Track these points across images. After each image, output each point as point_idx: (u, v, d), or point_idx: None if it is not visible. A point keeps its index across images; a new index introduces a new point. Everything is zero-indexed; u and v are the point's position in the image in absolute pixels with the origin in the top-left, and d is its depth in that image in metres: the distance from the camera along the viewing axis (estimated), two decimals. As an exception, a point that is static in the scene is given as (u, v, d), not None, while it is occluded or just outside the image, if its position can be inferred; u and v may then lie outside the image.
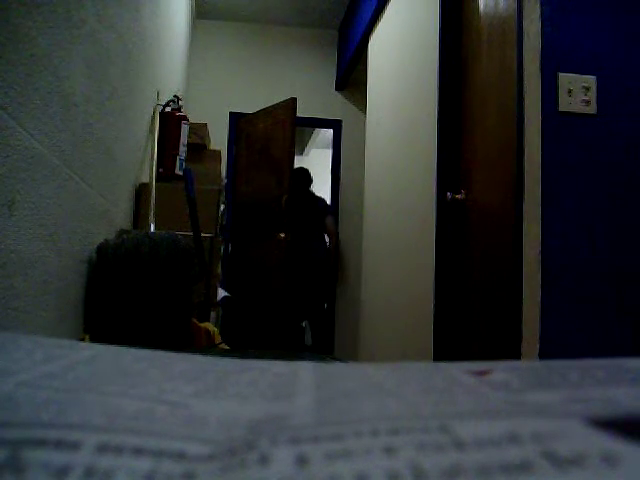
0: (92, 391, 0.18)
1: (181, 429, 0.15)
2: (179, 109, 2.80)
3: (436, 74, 2.52)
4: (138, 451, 0.13)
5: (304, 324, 4.66)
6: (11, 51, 1.04)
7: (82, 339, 1.58)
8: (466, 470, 0.12)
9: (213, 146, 3.77)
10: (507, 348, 1.77)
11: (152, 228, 2.26)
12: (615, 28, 1.70)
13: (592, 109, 1.67)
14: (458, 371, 0.20)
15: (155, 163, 2.50)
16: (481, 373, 0.20)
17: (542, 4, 1.68)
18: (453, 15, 2.49)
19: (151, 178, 2.45)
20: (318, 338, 4.36)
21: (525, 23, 1.74)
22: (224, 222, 3.43)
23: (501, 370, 0.20)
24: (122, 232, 1.97)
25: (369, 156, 3.86)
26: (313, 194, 4.43)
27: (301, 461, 0.12)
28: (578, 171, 1.65)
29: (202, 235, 2.01)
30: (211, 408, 0.17)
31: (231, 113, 4.85)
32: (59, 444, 0.13)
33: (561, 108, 1.66)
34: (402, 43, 3.17)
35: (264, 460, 0.12)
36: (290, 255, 4.15)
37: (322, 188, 4.98)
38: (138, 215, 2.42)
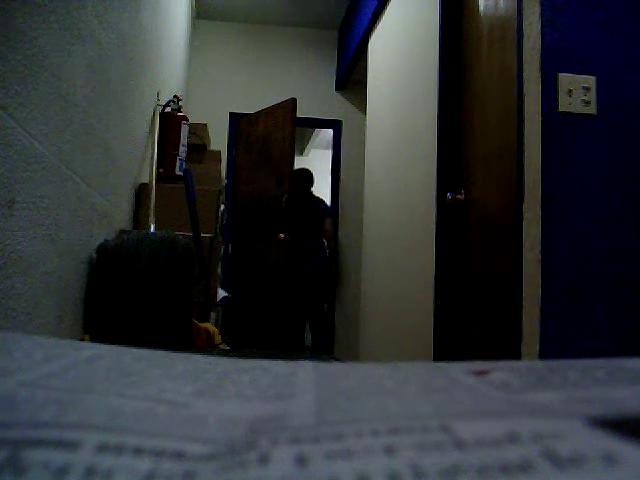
0: (92, 391, 0.18)
1: (181, 429, 0.15)
2: (179, 109, 2.80)
3: (436, 74, 2.52)
4: (138, 451, 0.13)
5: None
6: (11, 51, 1.04)
7: (82, 339, 1.58)
8: (466, 470, 0.12)
9: (213, 146, 3.77)
10: (507, 348, 1.77)
11: (152, 228, 2.26)
12: (615, 28, 1.70)
13: (592, 109, 1.67)
14: (458, 371, 0.20)
15: (155, 163, 2.50)
16: (481, 373, 0.20)
17: (542, 4, 1.68)
18: (453, 15, 2.49)
19: (151, 178, 2.45)
20: (318, 338, 4.36)
21: (525, 23, 1.74)
22: (224, 222, 3.43)
23: (501, 370, 0.20)
24: (122, 232, 1.97)
25: (369, 156, 3.86)
26: (313, 195, 4.43)
27: (301, 461, 0.12)
28: (578, 171, 1.65)
29: (202, 235, 2.01)
30: (211, 408, 0.17)
31: (231, 113, 4.85)
32: (59, 444, 0.13)
33: (561, 108, 1.66)
34: (402, 43, 3.17)
35: (264, 460, 0.12)
36: (290, 255, 4.15)
37: (322, 188, 4.98)
38: (138, 215, 2.42)
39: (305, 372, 0.21)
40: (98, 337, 1.58)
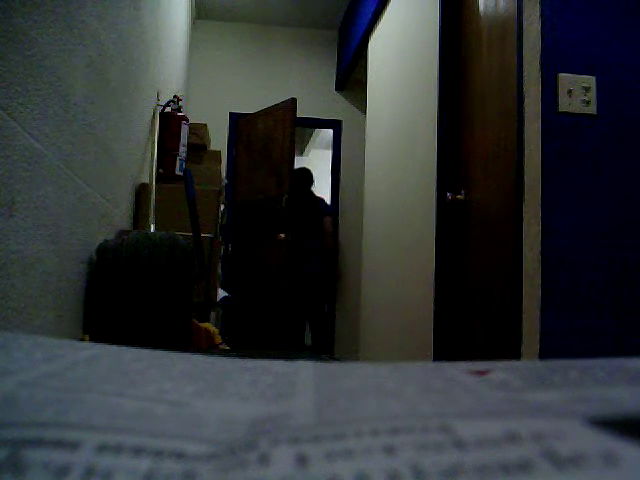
0: (92, 391, 0.18)
1: (181, 429, 0.15)
2: (179, 109, 2.80)
3: (436, 74, 2.52)
4: (138, 451, 0.13)
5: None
6: (11, 51, 1.04)
7: (82, 339, 1.58)
8: (466, 470, 0.12)
9: (213, 146, 3.77)
10: (507, 348, 1.77)
11: (152, 228, 2.26)
12: (615, 28, 1.70)
13: (592, 109, 1.67)
14: (458, 371, 0.20)
15: (155, 163, 2.50)
16: (481, 373, 0.20)
17: (542, 4, 1.68)
18: (453, 15, 2.49)
19: (151, 178, 2.45)
20: (318, 338, 4.36)
21: (525, 23, 1.74)
22: (224, 222, 3.43)
23: (501, 370, 0.20)
24: (122, 233, 1.97)
25: (369, 156, 3.86)
26: (313, 194, 4.43)
27: (301, 461, 0.12)
28: (578, 171, 1.65)
29: (202, 236, 2.01)
30: (211, 408, 0.17)
31: (231, 113, 4.85)
32: (59, 444, 0.13)
33: (561, 108, 1.66)
34: (402, 43, 3.17)
35: (264, 460, 0.12)
36: (290, 255, 4.15)
37: (322, 188, 4.98)
38: (138, 215, 2.42)
39: (305, 372, 0.21)
40: (98, 337, 1.58)
